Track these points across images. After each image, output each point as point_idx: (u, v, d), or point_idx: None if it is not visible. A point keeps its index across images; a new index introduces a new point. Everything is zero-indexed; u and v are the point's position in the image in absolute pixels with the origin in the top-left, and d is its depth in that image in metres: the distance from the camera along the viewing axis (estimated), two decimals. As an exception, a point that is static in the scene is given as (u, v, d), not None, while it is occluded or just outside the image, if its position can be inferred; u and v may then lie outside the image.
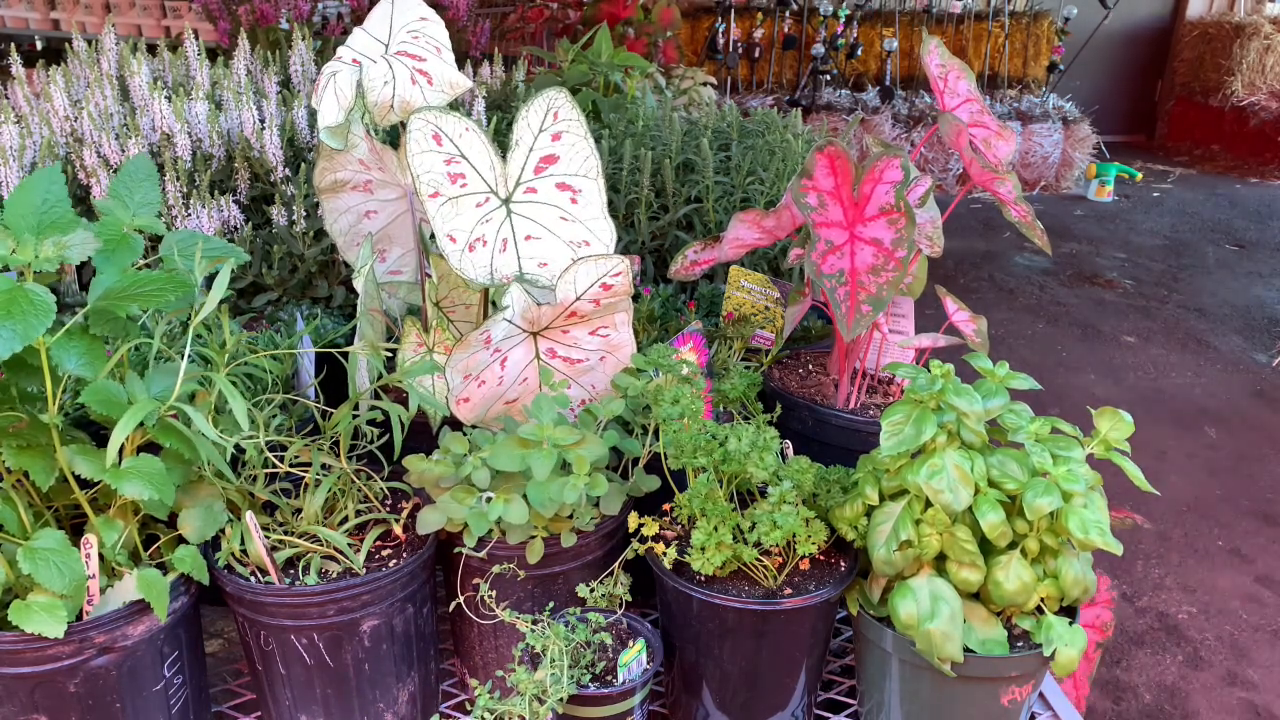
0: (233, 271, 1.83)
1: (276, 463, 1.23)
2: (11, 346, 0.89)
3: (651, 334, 1.75)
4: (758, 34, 7.21)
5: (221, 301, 1.11)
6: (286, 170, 2.10)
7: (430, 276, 1.54)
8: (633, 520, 1.23)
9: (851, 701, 1.36)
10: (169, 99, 2.15)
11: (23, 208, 1.00)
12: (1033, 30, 7.52)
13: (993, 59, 7.49)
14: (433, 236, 1.36)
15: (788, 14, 7.32)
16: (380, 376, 1.31)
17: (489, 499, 1.18)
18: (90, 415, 1.14)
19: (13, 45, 3.08)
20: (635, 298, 1.73)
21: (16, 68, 2.61)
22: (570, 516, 1.22)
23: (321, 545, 1.19)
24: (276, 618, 1.13)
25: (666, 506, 1.29)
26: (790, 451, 1.40)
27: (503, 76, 2.99)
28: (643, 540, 1.23)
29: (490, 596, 1.21)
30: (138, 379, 1.06)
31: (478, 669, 1.30)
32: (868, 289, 1.37)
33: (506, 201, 1.33)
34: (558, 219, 1.34)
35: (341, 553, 1.18)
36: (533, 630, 1.13)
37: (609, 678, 1.14)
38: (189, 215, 1.95)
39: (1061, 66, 7.44)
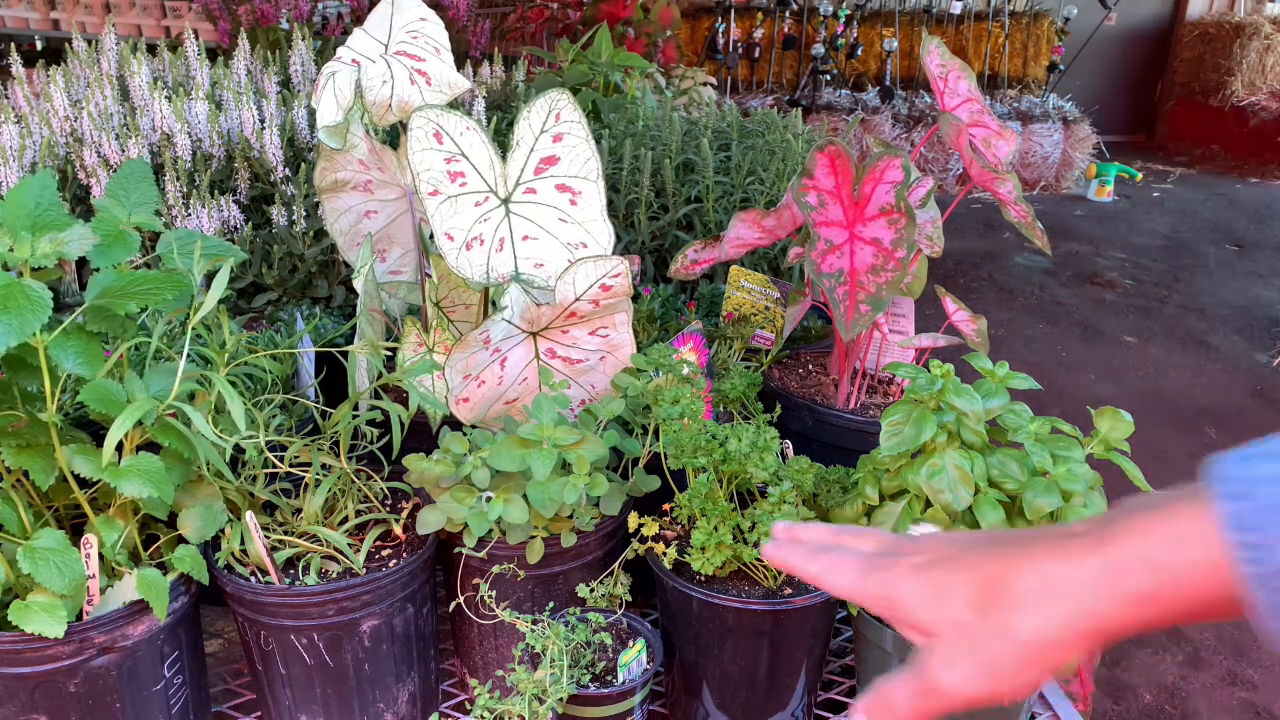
0: (233, 271, 1.83)
1: (276, 463, 1.23)
2: (7, 341, 0.89)
3: (651, 334, 1.75)
4: (758, 34, 7.20)
5: (221, 301, 1.11)
6: (286, 170, 2.10)
7: (430, 276, 1.54)
8: (633, 520, 1.23)
9: (851, 701, 1.36)
10: (169, 99, 2.15)
11: (17, 210, 0.99)
12: (1033, 30, 7.52)
13: (993, 59, 7.48)
14: (432, 236, 1.36)
15: (788, 14, 7.31)
16: (380, 376, 1.31)
17: (489, 499, 1.18)
18: (90, 415, 1.14)
19: (13, 45, 3.08)
20: (635, 298, 1.73)
21: (16, 68, 2.61)
22: (570, 516, 1.22)
23: (321, 545, 1.19)
24: (276, 618, 1.13)
25: (666, 506, 1.29)
26: (790, 451, 1.40)
27: (503, 76, 2.99)
28: (643, 540, 1.23)
29: (490, 596, 1.21)
30: (136, 378, 1.06)
31: (478, 669, 1.30)
32: (867, 289, 1.37)
33: (505, 201, 1.33)
34: (556, 220, 1.34)
35: (341, 553, 1.18)
36: (533, 630, 1.13)
37: (609, 678, 1.14)
38: (189, 215, 1.95)
39: (1061, 66, 7.43)
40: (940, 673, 0.53)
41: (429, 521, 1.19)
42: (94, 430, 1.28)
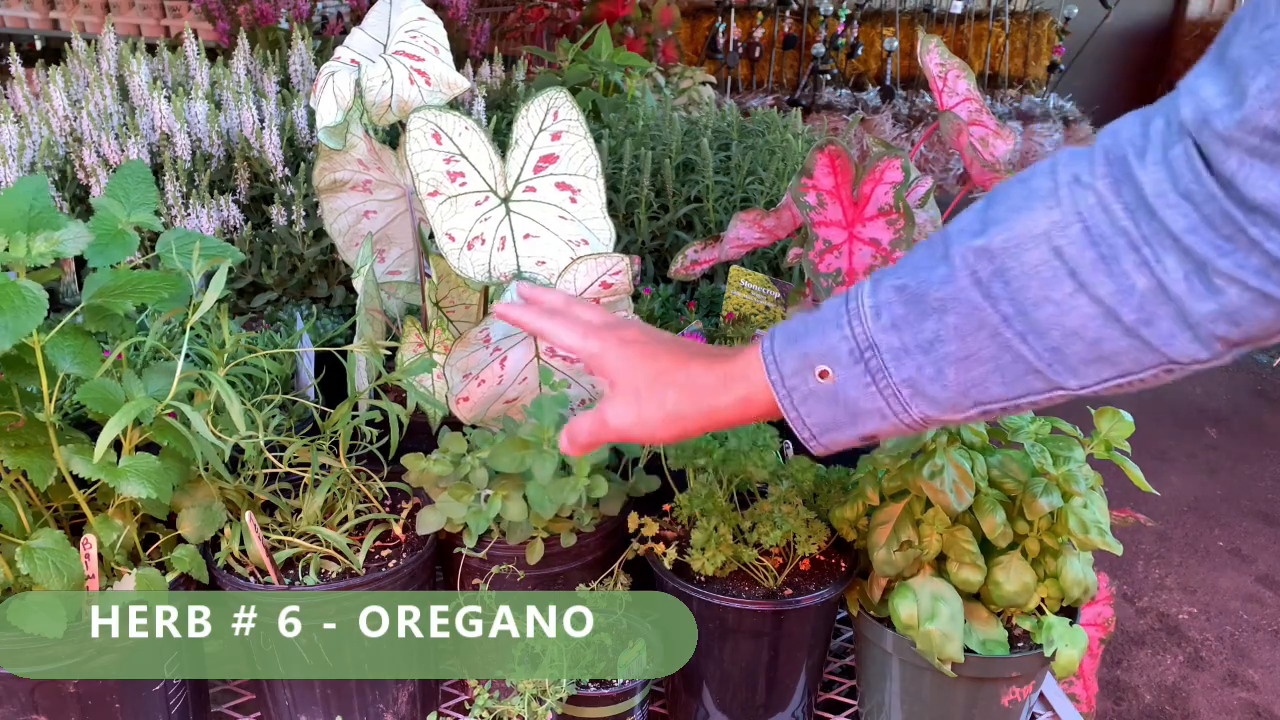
0: (232, 271, 1.83)
1: (276, 463, 1.23)
2: (2, 342, 0.89)
3: (651, 334, 1.75)
4: (758, 34, 7.20)
5: (220, 301, 1.11)
6: (286, 170, 2.10)
7: (430, 276, 1.54)
8: (633, 520, 1.23)
9: (852, 702, 1.36)
10: (169, 99, 2.15)
11: (11, 212, 0.99)
12: (1033, 30, 7.52)
13: (993, 59, 7.48)
14: (432, 236, 1.36)
15: (788, 13, 7.31)
16: (379, 376, 1.31)
17: (487, 497, 1.18)
18: (90, 415, 1.14)
19: (12, 45, 3.08)
20: (635, 297, 1.73)
21: (16, 67, 2.61)
22: (570, 517, 1.22)
23: (321, 545, 1.19)
24: (275, 618, 1.13)
25: (666, 507, 1.29)
26: (790, 451, 1.39)
27: (503, 76, 2.99)
28: (643, 540, 1.23)
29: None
30: (135, 378, 1.06)
31: (477, 669, 1.30)
32: (868, 288, 1.36)
33: (505, 200, 1.33)
34: (556, 218, 1.34)
35: (341, 553, 1.18)
36: (532, 630, 1.13)
37: (609, 678, 1.14)
38: (188, 215, 1.95)
39: (1062, 66, 7.43)
40: (611, 414, 0.82)
41: (428, 522, 1.19)
42: (94, 430, 1.28)
